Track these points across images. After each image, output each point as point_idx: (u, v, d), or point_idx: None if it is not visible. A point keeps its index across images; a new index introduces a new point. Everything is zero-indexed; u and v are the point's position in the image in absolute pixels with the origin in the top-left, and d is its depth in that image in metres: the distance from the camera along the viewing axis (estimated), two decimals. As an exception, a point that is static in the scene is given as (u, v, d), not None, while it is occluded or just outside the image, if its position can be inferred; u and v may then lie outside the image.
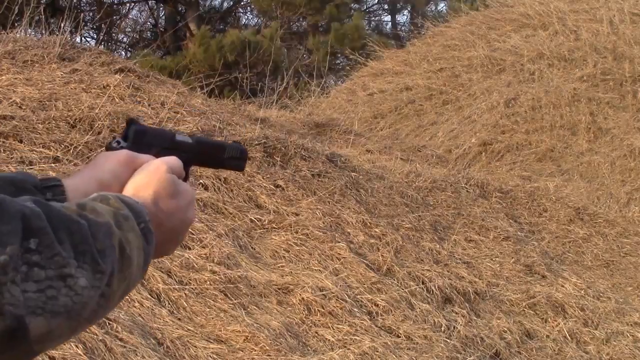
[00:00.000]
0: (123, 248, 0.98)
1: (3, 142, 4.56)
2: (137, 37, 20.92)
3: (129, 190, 1.16)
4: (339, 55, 17.52)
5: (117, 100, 5.64)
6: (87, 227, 0.95)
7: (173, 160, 1.23)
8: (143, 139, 1.28)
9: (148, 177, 1.17)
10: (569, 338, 5.74)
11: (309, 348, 4.28)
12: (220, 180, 5.34)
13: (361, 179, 6.49)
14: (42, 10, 7.72)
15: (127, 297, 3.87)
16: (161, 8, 20.57)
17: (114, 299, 0.98)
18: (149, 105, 5.79)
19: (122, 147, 1.27)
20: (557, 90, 11.24)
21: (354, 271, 5.14)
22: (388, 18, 22.47)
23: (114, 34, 20.57)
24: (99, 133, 5.01)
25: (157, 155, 1.27)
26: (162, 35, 18.22)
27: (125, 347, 3.47)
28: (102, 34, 18.11)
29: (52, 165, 4.56)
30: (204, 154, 1.37)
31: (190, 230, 4.63)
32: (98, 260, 0.94)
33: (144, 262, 1.03)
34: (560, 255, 7.27)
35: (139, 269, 1.02)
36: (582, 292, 6.41)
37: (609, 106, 11.06)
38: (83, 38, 18.22)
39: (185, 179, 1.36)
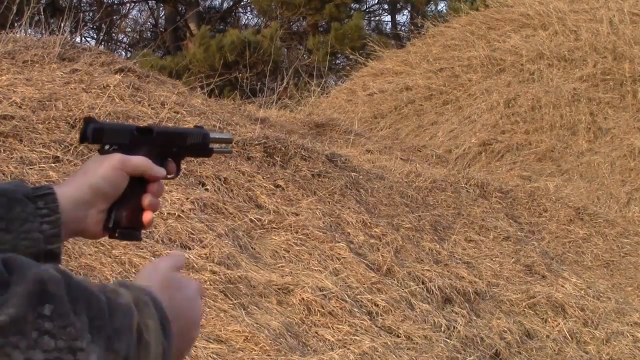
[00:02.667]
0: (141, 333, 0.93)
1: (3, 142, 4.56)
2: (137, 37, 20.92)
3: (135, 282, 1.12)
4: (339, 55, 17.52)
5: (117, 100, 5.64)
6: (105, 303, 0.89)
7: (175, 259, 1.15)
8: (102, 137, 1.28)
9: (149, 278, 1.10)
10: (569, 338, 5.74)
11: (309, 348, 4.28)
12: (220, 180, 5.34)
13: (361, 179, 6.49)
14: (42, 10, 7.72)
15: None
16: (161, 8, 20.58)
17: None
18: (149, 105, 5.79)
19: (114, 151, 1.27)
20: (557, 90, 11.25)
21: (354, 271, 5.14)
22: (388, 18, 22.47)
23: (114, 34, 20.57)
24: (99, 133, 5.00)
25: (122, 152, 1.27)
26: (162, 35, 18.22)
27: (125, 347, 3.47)
28: (102, 34, 18.13)
29: (52, 165, 4.56)
30: (167, 144, 1.37)
31: (190, 230, 4.63)
32: (113, 338, 0.88)
33: (162, 356, 0.96)
34: (560, 255, 7.27)
35: (159, 355, 0.96)
36: (582, 292, 6.41)
37: (609, 106, 11.07)
38: (83, 38, 18.23)
39: (177, 172, 1.39)
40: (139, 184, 1.30)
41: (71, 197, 1.19)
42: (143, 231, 1.34)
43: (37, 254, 1.14)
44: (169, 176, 1.39)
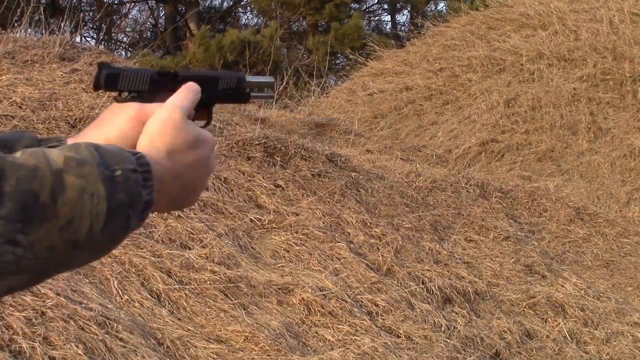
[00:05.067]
0: (55, 194, 0.89)
1: (3, 142, 4.56)
2: (137, 37, 20.93)
3: (142, 142, 1.06)
4: (339, 55, 17.52)
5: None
6: None
7: (187, 102, 1.11)
8: (117, 83, 1.14)
9: (162, 127, 1.07)
10: (569, 338, 5.74)
11: (309, 348, 4.28)
12: (220, 180, 5.34)
13: (361, 179, 6.49)
14: (42, 10, 7.72)
15: (127, 297, 3.88)
16: (161, 8, 20.59)
17: (45, 251, 0.89)
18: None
19: (132, 99, 1.14)
20: (557, 90, 11.25)
21: (354, 271, 5.14)
22: (388, 18, 22.48)
23: (114, 34, 20.58)
24: (99, 133, 5.01)
25: (140, 100, 1.13)
26: (162, 35, 18.22)
27: (125, 347, 3.47)
28: (102, 34, 18.12)
29: (52, 165, 4.56)
30: None
31: (190, 230, 4.63)
32: None
33: (108, 211, 0.93)
34: (560, 255, 7.27)
35: (93, 218, 0.92)
36: (582, 292, 6.41)
37: (609, 106, 11.07)
38: (83, 38, 18.23)
39: (208, 121, 1.26)
40: None
41: None
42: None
43: None
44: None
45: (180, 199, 1.08)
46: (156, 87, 1.17)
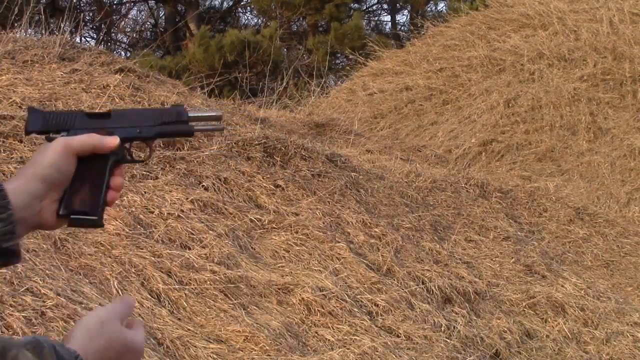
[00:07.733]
0: None
1: (3, 142, 4.56)
2: (137, 37, 20.92)
3: (78, 340, 1.14)
4: (339, 55, 17.52)
5: (117, 100, 5.64)
6: None
7: (121, 310, 1.20)
8: (47, 126, 1.23)
9: (95, 336, 1.15)
10: (569, 338, 5.74)
11: (309, 348, 4.27)
12: (220, 180, 5.34)
13: (361, 179, 6.49)
14: (42, 10, 7.71)
15: (127, 297, 3.87)
16: (161, 8, 20.58)
17: None
18: (149, 105, 5.79)
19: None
20: (557, 90, 11.25)
21: (354, 271, 5.14)
22: (388, 18, 22.47)
23: (114, 34, 20.57)
24: (99, 133, 5.00)
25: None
26: (162, 35, 18.21)
27: (125, 347, 3.46)
28: (102, 34, 18.12)
29: (52, 165, 4.56)
30: (128, 126, 1.27)
31: (190, 230, 4.63)
32: None
33: None
34: (560, 255, 7.26)
35: None
36: (582, 292, 6.41)
37: (609, 106, 11.07)
38: (83, 38, 18.23)
39: (150, 155, 1.33)
40: (91, 163, 1.22)
41: (22, 192, 1.16)
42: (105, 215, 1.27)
43: None
44: (138, 159, 1.32)
45: None
46: (85, 126, 1.24)
